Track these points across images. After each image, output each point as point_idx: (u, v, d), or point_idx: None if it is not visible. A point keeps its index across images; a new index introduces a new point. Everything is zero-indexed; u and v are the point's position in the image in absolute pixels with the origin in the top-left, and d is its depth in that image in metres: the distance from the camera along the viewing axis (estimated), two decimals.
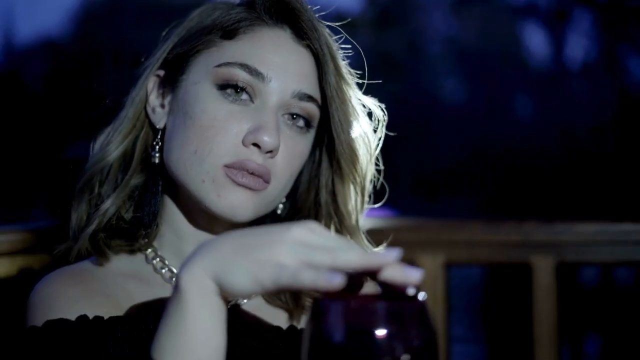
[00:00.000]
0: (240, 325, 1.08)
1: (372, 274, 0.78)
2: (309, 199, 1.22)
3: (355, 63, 1.20)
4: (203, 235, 1.15)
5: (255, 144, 1.07)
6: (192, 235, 1.16)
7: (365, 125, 1.19)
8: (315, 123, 1.15)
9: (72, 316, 1.04)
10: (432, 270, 1.77)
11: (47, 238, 1.27)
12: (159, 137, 1.16)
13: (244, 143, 1.07)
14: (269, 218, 1.22)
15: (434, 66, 14.82)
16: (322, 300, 0.74)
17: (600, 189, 10.83)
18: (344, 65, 1.16)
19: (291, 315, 1.17)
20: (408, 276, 0.77)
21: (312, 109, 1.13)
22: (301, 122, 1.13)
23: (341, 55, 1.16)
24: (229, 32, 1.11)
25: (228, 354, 0.85)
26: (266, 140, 1.06)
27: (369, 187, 1.23)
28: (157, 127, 1.16)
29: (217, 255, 0.80)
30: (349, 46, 1.18)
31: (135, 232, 1.15)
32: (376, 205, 1.27)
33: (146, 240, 1.16)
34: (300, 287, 0.76)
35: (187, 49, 1.12)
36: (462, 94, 14.90)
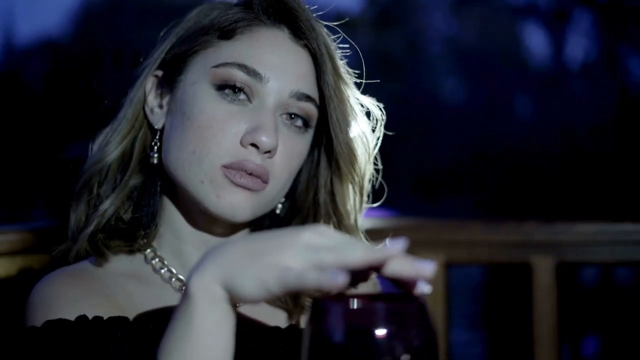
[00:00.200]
0: (239, 325, 1.08)
1: (379, 268, 0.78)
2: (307, 198, 1.22)
3: (354, 63, 1.20)
4: (202, 236, 1.15)
5: (253, 144, 1.07)
6: (191, 235, 1.16)
7: (364, 125, 1.19)
8: (313, 123, 1.15)
9: (72, 316, 1.04)
10: None
11: (47, 238, 1.27)
12: (157, 137, 1.15)
13: (242, 143, 1.07)
14: (268, 218, 1.22)
15: (434, 66, 14.83)
16: (322, 301, 0.74)
17: (600, 189, 10.83)
18: (342, 64, 1.16)
19: (290, 315, 1.17)
20: (419, 269, 0.78)
21: (310, 109, 1.13)
22: (299, 122, 1.13)
23: (339, 55, 1.16)
24: (227, 33, 1.11)
25: (249, 349, 0.86)
26: (264, 140, 1.06)
27: (367, 186, 1.23)
28: (156, 127, 1.16)
29: (225, 261, 0.80)
30: (347, 46, 1.18)
31: (134, 232, 1.14)
32: (375, 205, 1.27)
33: (145, 240, 1.16)
34: (306, 288, 0.75)
35: (185, 49, 1.12)
36: (462, 94, 14.90)
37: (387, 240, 1.19)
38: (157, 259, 1.16)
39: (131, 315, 1.07)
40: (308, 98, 1.12)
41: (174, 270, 1.15)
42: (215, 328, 0.81)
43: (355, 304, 0.74)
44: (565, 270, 1.84)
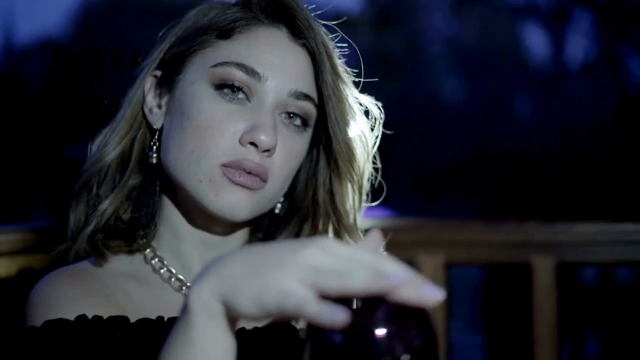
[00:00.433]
0: (239, 324, 1.08)
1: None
2: (306, 198, 1.22)
3: (353, 62, 1.20)
4: (201, 235, 1.15)
5: (252, 143, 1.07)
6: (190, 234, 1.16)
7: (362, 124, 1.19)
8: (312, 122, 1.15)
9: (72, 316, 1.04)
10: (432, 270, 1.77)
11: (47, 238, 1.27)
12: (156, 137, 1.16)
13: (241, 142, 1.07)
14: (268, 217, 1.22)
15: (434, 66, 14.83)
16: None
17: (600, 189, 10.84)
18: (340, 64, 1.16)
19: None
20: (426, 296, 0.72)
21: (309, 108, 1.13)
22: (298, 121, 1.13)
23: (337, 54, 1.16)
24: (225, 32, 1.11)
25: (247, 350, 0.85)
26: (263, 139, 1.07)
27: (366, 185, 1.23)
28: (155, 127, 1.16)
29: (224, 275, 0.78)
30: (345, 45, 1.18)
31: (133, 232, 1.14)
32: (374, 204, 1.27)
33: (144, 240, 1.16)
34: (304, 318, 0.73)
35: (184, 49, 1.12)
36: (462, 94, 14.91)
37: (383, 246, 1.19)
38: (156, 259, 1.16)
39: (131, 315, 1.07)
40: (307, 97, 1.12)
41: (173, 270, 1.15)
42: (213, 342, 0.79)
43: (355, 303, 0.74)
44: (565, 270, 1.84)
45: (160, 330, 1.06)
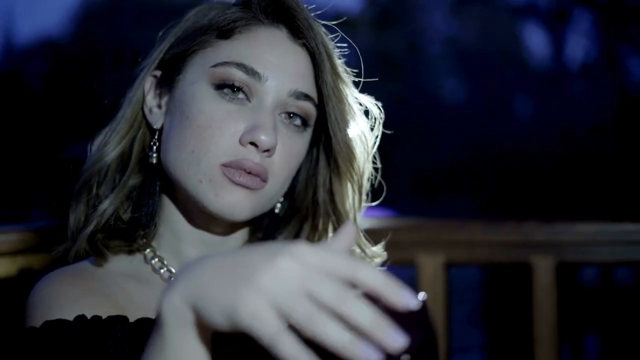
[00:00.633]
0: None
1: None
2: (306, 197, 1.22)
3: (353, 62, 1.20)
4: (201, 235, 1.15)
5: (252, 143, 1.07)
6: (190, 234, 1.16)
7: (362, 124, 1.19)
8: (312, 122, 1.15)
9: (71, 316, 1.04)
10: (432, 270, 1.77)
11: (47, 238, 1.27)
12: (156, 137, 1.16)
13: (241, 142, 1.07)
14: (267, 217, 1.22)
15: (434, 66, 14.83)
16: None
17: (600, 189, 10.83)
18: (340, 63, 1.16)
19: None
20: (402, 302, 0.70)
21: (309, 108, 1.13)
22: (298, 121, 1.13)
23: (337, 54, 1.16)
24: (225, 32, 1.11)
25: (226, 355, 0.85)
26: (263, 139, 1.07)
27: (366, 185, 1.22)
28: (155, 127, 1.16)
29: (194, 282, 0.75)
30: (345, 45, 1.18)
31: (133, 232, 1.14)
32: (374, 204, 1.27)
33: (144, 240, 1.16)
34: (274, 351, 0.70)
35: (184, 49, 1.12)
36: (462, 94, 14.91)
37: (381, 247, 1.18)
38: (156, 259, 1.16)
39: (131, 315, 1.07)
40: (306, 97, 1.12)
41: (173, 270, 1.15)
42: (187, 350, 0.77)
43: None
44: (565, 270, 1.84)
45: None
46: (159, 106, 1.16)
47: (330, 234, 1.22)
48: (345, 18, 1.21)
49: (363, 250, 1.22)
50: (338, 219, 1.20)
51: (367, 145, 1.20)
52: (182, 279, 0.77)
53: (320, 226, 1.21)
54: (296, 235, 1.22)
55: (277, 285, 0.70)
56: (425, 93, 14.47)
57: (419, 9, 14.76)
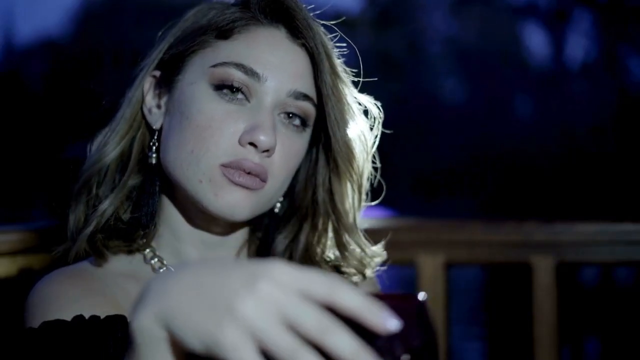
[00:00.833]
0: None
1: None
2: (306, 197, 1.21)
3: (353, 62, 1.20)
4: (201, 235, 1.15)
5: (251, 144, 1.07)
6: (190, 234, 1.16)
7: (362, 123, 1.19)
8: (311, 122, 1.15)
9: (70, 316, 1.04)
10: (432, 270, 1.77)
11: (47, 238, 1.27)
12: (155, 137, 1.15)
13: (240, 142, 1.07)
14: (267, 217, 1.22)
15: (434, 66, 14.84)
16: None
17: (600, 189, 10.84)
18: (339, 63, 1.16)
19: None
20: (381, 325, 0.68)
21: (308, 108, 1.13)
22: (297, 121, 1.13)
23: (336, 54, 1.16)
24: (224, 32, 1.11)
25: None
26: (262, 139, 1.07)
27: (366, 185, 1.22)
28: (154, 127, 1.16)
29: (169, 304, 0.70)
30: (344, 45, 1.18)
31: (133, 232, 1.14)
32: (373, 203, 1.27)
33: (144, 240, 1.16)
34: None
35: (183, 49, 1.12)
36: (462, 94, 14.92)
37: (381, 246, 1.16)
38: (156, 259, 1.16)
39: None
40: (306, 97, 1.12)
41: (172, 270, 1.15)
42: None
43: None
44: (565, 270, 1.84)
45: None
46: (159, 106, 1.16)
47: (330, 234, 1.22)
48: (344, 18, 1.21)
49: (363, 250, 1.22)
50: (338, 218, 1.20)
51: (367, 144, 1.20)
52: (152, 297, 0.72)
53: (320, 226, 1.21)
54: (296, 235, 1.22)
55: (258, 315, 0.67)
56: (425, 93, 14.48)
57: (419, 9, 14.77)
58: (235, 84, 1.09)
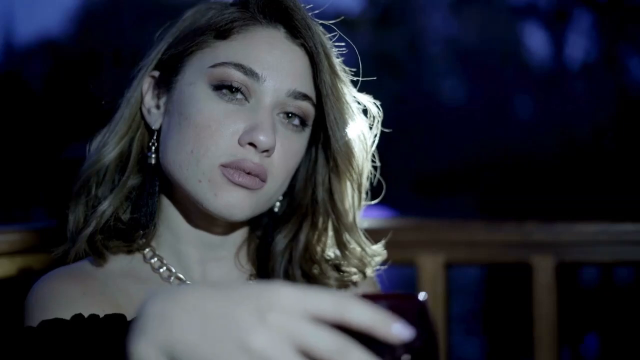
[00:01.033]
0: None
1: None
2: (306, 196, 1.21)
3: (352, 62, 1.19)
4: (200, 235, 1.15)
5: (251, 144, 1.07)
6: (190, 234, 1.16)
7: (361, 122, 1.19)
8: (310, 121, 1.15)
9: (69, 316, 1.04)
10: (432, 270, 1.76)
11: (47, 238, 1.27)
12: (154, 138, 1.15)
13: (240, 143, 1.07)
14: (267, 216, 1.22)
15: (434, 66, 14.84)
16: None
17: (600, 189, 10.84)
18: (338, 63, 1.16)
19: None
20: (394, 336, 0.67)
21: (307, 108, 1.13)
22: (296, 121, 1.13)
23: (335, 53, 1.16)
24: (223, 32, 1.11)
25: None
26: (262, 139, 1.07)
27: (365, 183, 1.22)
28: (153, 128, 1.15)
29: (174, 335, 0.67)
30: (343, 44, 1.17)
31: (133, 233, 1.14)
32: (373, 202, 1.27)
33: (144, 240, 1.15)
34: None
35: (181, 49, 1.12)
36: (462, 94, 14.91)
37: (382, 245, 1.16)
38: (155, 258, 1.16)
39: (129, 314, 1.07)
40: (305, 97, 1.12)
41: (173, 269, 1.15)
42: None
43: None
44: (565, 270, 1.84)
45: None
46: (157, 107, 1.16)
47: (330, 233, 1.22)
48: (343, 17, 1.21)
49: (363, 249, 1.22)
50: (337, 217, 1.20)
51: (366, 143, 1.20)
52: (153, 323, 0.68)
53: (320, 225, 1.21)
54: (295, 234, 1.21)
55: (272, 346, 0.65)
56: (425, 93, 14.48)
57: (419, 9, 14.77)
58: (235, 84, 1.09)
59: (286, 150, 1.11)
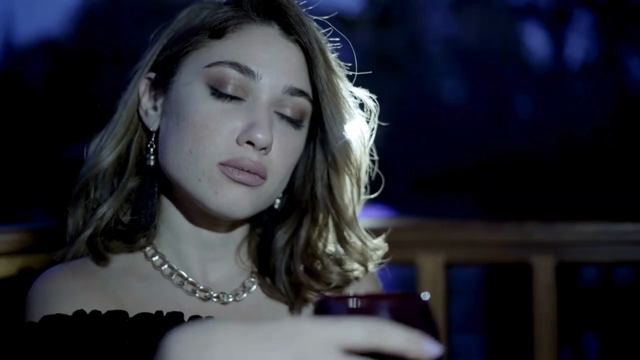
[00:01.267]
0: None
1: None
2: (305, 192, 1.21)
3: (352, 62, 1.20)
4: (201, 234, 1.15)
5: (249, 142, 1.07)
6: (190, 234, 1.16)
7: (358, 117, 1.19)
8: (307, 117, 1.15)
9: (71, 311, 1.04)
10: (432, 270, 1.76)
11: (46, 238, 1.27)
12: (153, 139, 1.16)
13: (238, 141, 1.08)
14: (267, 213, 1.22)
15: (434, 66, 14.83)
16: (325, 300, 0.74)
17: (600, 189, 10.84)
18: (333, 58, 1.16)
19: (291, 308, 1.18)
20: (426, 354, 0.65)
21: (304, 104, 1.13)
22: (294, 118, 1.13)
23: (330, 49, 1.16)
24: (217, 32, 1.11)
25: None
26: (259, 137, 1.07)
27: (364, 178, 1.22)
28: (151, 129, 1.15)
29: None
30: (338, 39, 1.18)
31: (133, 234, 1.14)
32: (373, 196, 1.27)
33: (145, 240, 1.16)
34: None
35: (177, 50, 1.12)
36: (462, 94, 14.90)
37: (382, 240, 1.16)
38: (157, 256, 1.16)
39: (131, 311, 1.07)
40: (301, 93, 1.12)
41: (174, 267, 1.15)
42: None
43: (357, 303, 0.74)
44: (565, 270, 1.84)
45: (159, 325, 1.06)
46: (155, 108, 1.16)
47: (330, 228, 1.22)
48: (336, 12, 1.21)
49: (364, 243, 1.22)
50: (337, 212, 1.20)
51: (364, 138, 1.20)
52: None
53: (320, 220, 1.21)
54: (296, 230, 1.21)
55: None
56: (425, 93, 14.47)
57: (419, 9, 14.76)
58: (231, 83, 1.09)
59: (284, 147, 1.11)
